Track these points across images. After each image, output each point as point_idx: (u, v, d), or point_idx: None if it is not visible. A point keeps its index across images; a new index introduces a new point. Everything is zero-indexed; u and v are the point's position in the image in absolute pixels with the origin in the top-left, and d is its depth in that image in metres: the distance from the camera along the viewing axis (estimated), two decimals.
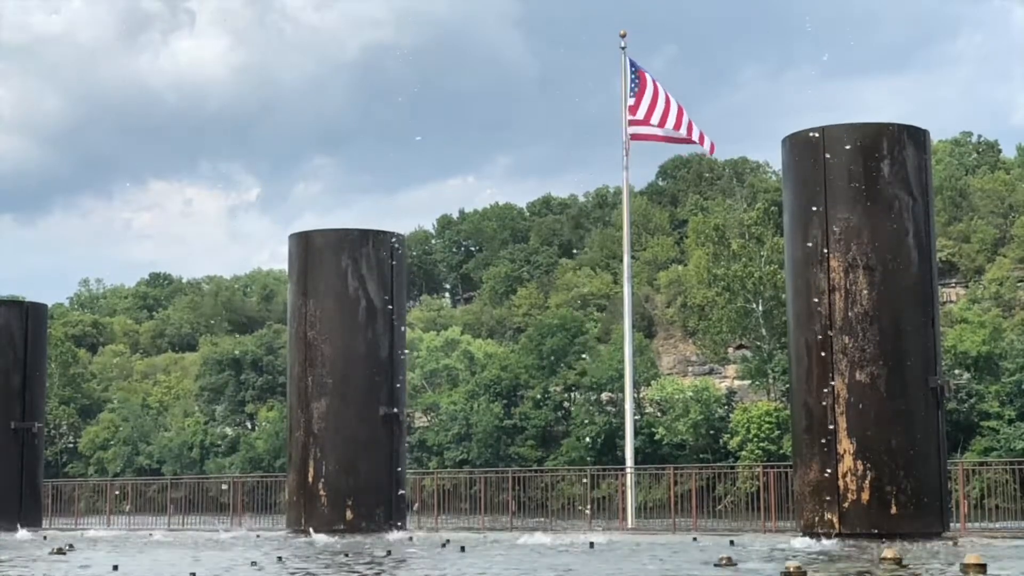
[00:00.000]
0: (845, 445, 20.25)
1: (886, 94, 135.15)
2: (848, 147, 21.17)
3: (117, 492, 38.37)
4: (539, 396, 63.60)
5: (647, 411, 61.09)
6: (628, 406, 32.18)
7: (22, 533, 28.50)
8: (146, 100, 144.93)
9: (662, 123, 31.10)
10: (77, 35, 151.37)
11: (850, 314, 20.57)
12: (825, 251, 20.85)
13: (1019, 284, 64.88)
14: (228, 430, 76.29)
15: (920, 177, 21.32)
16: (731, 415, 60.01)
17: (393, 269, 25.96)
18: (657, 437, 58.67)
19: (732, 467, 47.77)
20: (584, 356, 63.18)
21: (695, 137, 31.53)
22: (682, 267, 72.84)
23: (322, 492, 24.71)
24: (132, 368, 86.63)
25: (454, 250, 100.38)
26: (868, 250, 20.69)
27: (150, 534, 27.76)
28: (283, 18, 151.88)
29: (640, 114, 31.06)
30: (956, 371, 53.51)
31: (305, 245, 25.92)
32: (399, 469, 25.60)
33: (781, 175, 24.37)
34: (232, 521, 33.02)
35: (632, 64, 31.51)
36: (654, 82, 31.35)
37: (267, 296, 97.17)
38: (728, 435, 58.42)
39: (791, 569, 12.37)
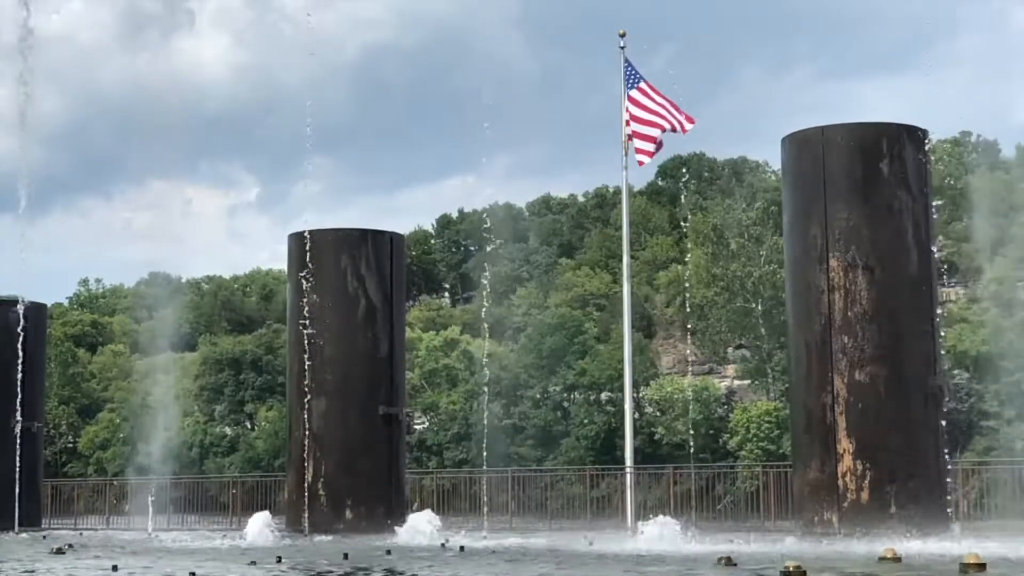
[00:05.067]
0: (844, 445, 20.25)
1: (886, 94, 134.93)
2: (848, 147, 21.17)
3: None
4: (539, 396, 63.57)
5: (647, 411, 61.06)
6: (628, 406, 32.17)
7: (21, 533, 28.49)
8: (146, 100, 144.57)
9: (661, 127, 31.21)
10: (77, 35, 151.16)
11: (849, 314, 20.57)
12: (825, 251, 20.86)
13: (1019, 284, 64.86)
14: (228, 430, 76.21)
15: (920, 177, 21.33)
16: (731, 415, 59.98)
17: (392, 268, 25.96)
18: (657, 437, 58.63)
19: (732, 467, 47.71)
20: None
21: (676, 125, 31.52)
22: (681, 266, 72.86)
23: (321, 492, 24.69)
24: (132, 368, 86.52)
25: (453, 250, 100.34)
26: (868, 250, 20.69)
27: (156, 535, 27.73)
28: (283, 18, 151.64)
29: (642, 128, 31.18)
30: (956, 371, 53.48)
31: (305, 244, 25.89)
32: (398, 469, 25.60)
33: (781, 175, 24.36)
34: (232, 521, 32.98)
35: (632, 72, 31.50)
36: (647, 92, 31.46)
37: (266, 296, 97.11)
38: (728, 435, 58.37)
39: (791, 569, 12.37)
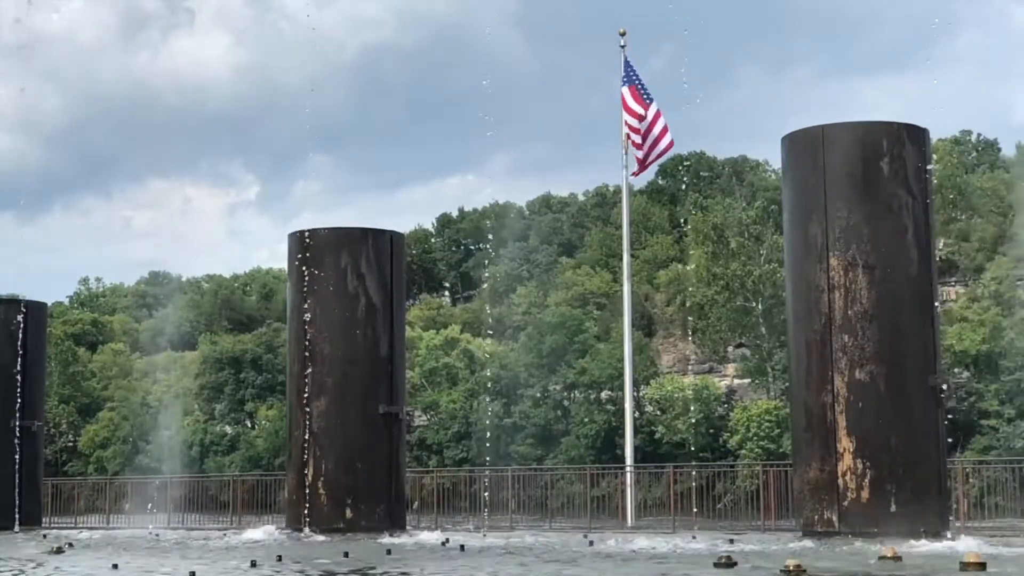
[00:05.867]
0: (845, 443, 20.24)
1: (886, 93, 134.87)
2: (848, 146, 21.16)
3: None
4: (539, 394, 63.56)
5: (647, 409, 61.03)
6: (628, 404, 32.21)
7: (21, 532, 28.51)
8: (146, 99, 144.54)
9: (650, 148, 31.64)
10: (77, 34, 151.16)
11: (849, 312, 20.56)
12: (825, 250, 20.85)
13: (1019, 283, 64.87)
14: (228, 428, 76.22)
15: (920, 176, 21.32)
16: (731, 414, 59.96)
17: (392, 267, 25.95)
18: (657, 436, 58.63)
19: (732, 466, 47.72)
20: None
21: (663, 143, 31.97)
22: (681, 266, 72.83)
23: (322, 491, 24.69)
24: (132, 367, 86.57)
25: (453, 249, 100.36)
26: (868, 249, 20.69)
27: (156, 534, 27.74)
28: (283, 17, 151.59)
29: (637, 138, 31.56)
30: (956, 369, 53.47)
31: (305, 243, 25.89)
32: (399, 468, 25.60)
33: (781, 174, 24.35)
34: (232, 520, 33.01)
35: (629, 72, 31.64)
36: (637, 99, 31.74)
37: (266, 295, 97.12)
38: (728, 434, 58.37)
39: (791, 568, 12.40)
